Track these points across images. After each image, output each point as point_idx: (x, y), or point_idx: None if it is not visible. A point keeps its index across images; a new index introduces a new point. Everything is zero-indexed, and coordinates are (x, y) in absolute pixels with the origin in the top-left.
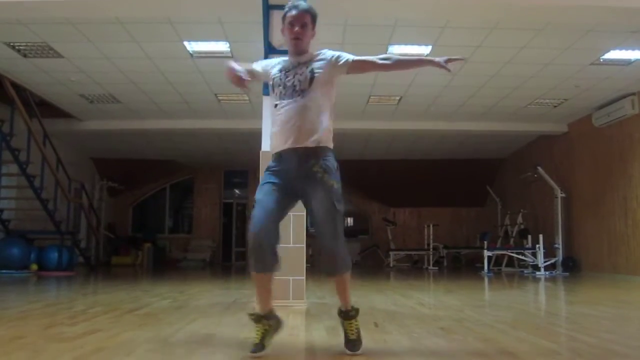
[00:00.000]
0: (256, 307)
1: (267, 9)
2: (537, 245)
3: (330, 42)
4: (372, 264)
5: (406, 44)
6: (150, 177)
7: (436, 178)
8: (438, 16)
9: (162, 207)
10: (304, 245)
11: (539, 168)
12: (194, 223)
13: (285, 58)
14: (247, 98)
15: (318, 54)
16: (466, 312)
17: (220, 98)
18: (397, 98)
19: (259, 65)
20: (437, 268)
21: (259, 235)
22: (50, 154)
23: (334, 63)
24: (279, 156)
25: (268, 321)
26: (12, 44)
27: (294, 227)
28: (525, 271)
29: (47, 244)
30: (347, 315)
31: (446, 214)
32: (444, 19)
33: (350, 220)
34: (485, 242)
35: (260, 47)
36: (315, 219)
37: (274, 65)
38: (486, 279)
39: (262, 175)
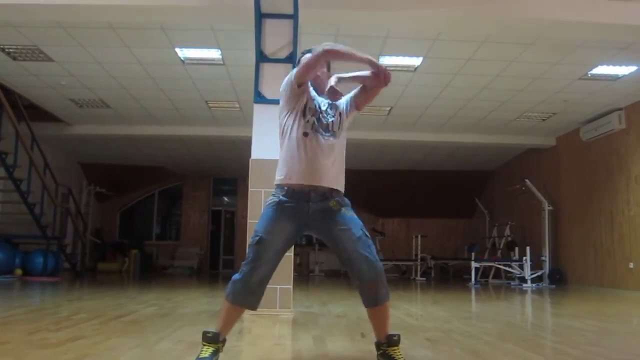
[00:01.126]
0: (217, 328)
1: (260, 17)
2: (524, 258)
3: None
4: None
5: (397, 55)
6: (139, 183)
7: (425, 189)
8: (429, 28)
9: (150, 214)
10: (292, 254)
11: (526, 181)
12: (181, 230)
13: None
14: (237, 105)
15: (339, 94)
16: (453, 324)
17: (210, 105)
18: (388, 108)
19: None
20: (425, 279)
21: (261, 280)
22: (38, 158)
23: (354, 98)
24: (293, 192)
25: (222, 344)
26: (1, 46)
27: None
28: (512, 283)
29: (33, 248)
30: (392, 341)
31: (435, 225)
32: (436, 31)
33: None
34: (473, 254)
35: (252, 55)
36: (348, 250)
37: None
38: (473, 291)
39: (266, 205)
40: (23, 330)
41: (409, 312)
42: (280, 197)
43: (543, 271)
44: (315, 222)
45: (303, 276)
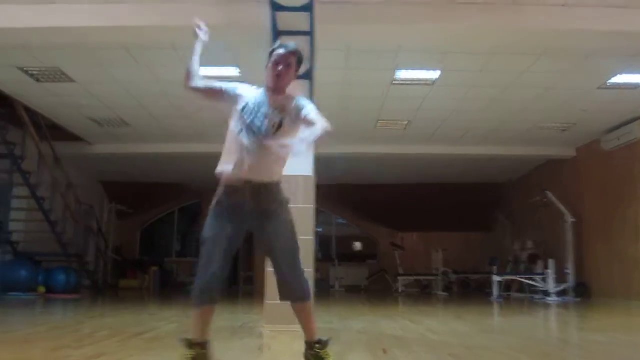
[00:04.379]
0: (191, 335)
1: (276, 35)
2: (547, 271)
3: (333, 66)
4: (380, 289)
5: (413, 68)
6: (159, 200)
7: (444, 202)
8: (441, 41)
9: (170, 231)
10: (312, 270)
11: (547, 192)
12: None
13: (262, 91)
14: None
15: (293, 102)
16: (476, 339)
17: (229, 122)
18: (405, 122)
19: (230, 88)
20: (446, 293)
21: (213, 278)
22: (61, 177)
23: (301, 118)
24: (231, 189)
25: (202, 350)
26: (25, 68)
27: (301, 251)
28: (536, 297)
29: (55, 266)
30: (318, 346)
31: (455, 239)
32: (448, 44)
33: (358, 245)
34: (495, 267)
35: None
36: (273, 254)
37: (249, 91)
38: (496, 305)
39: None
40: (46, 347)
41: (430, 327)
42: (220, 197)
43: (567, 284)
44: (252, 219)
45: (323, 292)
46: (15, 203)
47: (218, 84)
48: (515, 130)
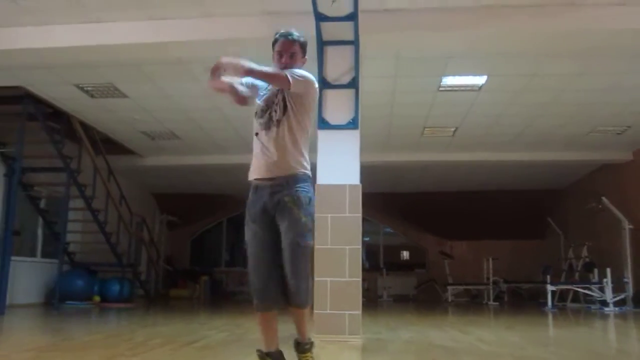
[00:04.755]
0: (262, 345)
1: (321, 45)
2: (605, 280)
3: (381, 75)
4: (428, 299)
5: (461, 74)
6: (207, 211)
7: (494, 210)
8: (491, 46)
9: (219, 241)
10: (360, 279)
11: (603, 199)
12: None
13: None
14: None
15: None
16: (529, 350)
17: None
18: (453, 129)
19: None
20: (497, 303)
21: (261, 276)
22: (114, 189)
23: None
24: (255, 188)
25: (273, 357)
26: (80, 85)
27: (349, 260)
28: (593, 307)
29: (110, 276)
30: (302, 348)
31: (505, 247)
32: (497, 48)
33: (406, 254)
34: (548, 276)
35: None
36: (281, 251)
37: (260, 88)
38: (550, 315)
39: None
40: (102, 355)
41: (481, 337)
42: (249, 197)
43: (626, 294)
44: (272, 213)
45: (371, 301)
46: (71, 215)
47: (245, 82)
48: (568, 135)
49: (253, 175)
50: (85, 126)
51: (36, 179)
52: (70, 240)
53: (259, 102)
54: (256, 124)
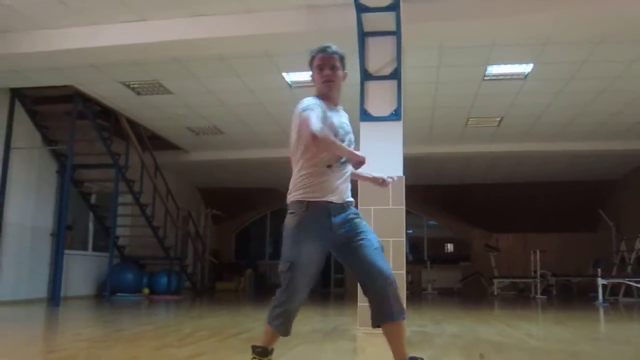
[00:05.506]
0: (263, 342)
1: (363, 36)
2: None
3: (426, 65)
4: (474, 293)
5: (505, 63)
6: (252, 205)
7: (542, 201)
8: (539, 33)
9: (262, 234)
10: (404, 272)
11: None
12: None
13: (321, 103)
14: None
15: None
16: (580, 346)
17: None
18: (498, 119)
19: (322, 115)
20: (545, 297)
21: (296, 306)
22: (161, 184)
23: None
24: (316, 207)
25: (270, 354)
26: (127, 83)
27: (393, 253)
28: None
29: (157, 269)
30: None
31: (553, 240)
32: (546, 35)
33: (450, 247)
34: (599, 270)
35: (356, 74)
36: (364, 261)
37: (324, 110)
38: (601, 310)
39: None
40: (151, 346)
41: (529, 332)
42: (303, 216)
43: None
44: (334, 234)
45: (416, 295)
46: (120, 210)
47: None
48: (620, 124)
49: (324, 197)
50: (132, 123)
51: (87, 175)
52: (119, 235)
53: (336, 122)
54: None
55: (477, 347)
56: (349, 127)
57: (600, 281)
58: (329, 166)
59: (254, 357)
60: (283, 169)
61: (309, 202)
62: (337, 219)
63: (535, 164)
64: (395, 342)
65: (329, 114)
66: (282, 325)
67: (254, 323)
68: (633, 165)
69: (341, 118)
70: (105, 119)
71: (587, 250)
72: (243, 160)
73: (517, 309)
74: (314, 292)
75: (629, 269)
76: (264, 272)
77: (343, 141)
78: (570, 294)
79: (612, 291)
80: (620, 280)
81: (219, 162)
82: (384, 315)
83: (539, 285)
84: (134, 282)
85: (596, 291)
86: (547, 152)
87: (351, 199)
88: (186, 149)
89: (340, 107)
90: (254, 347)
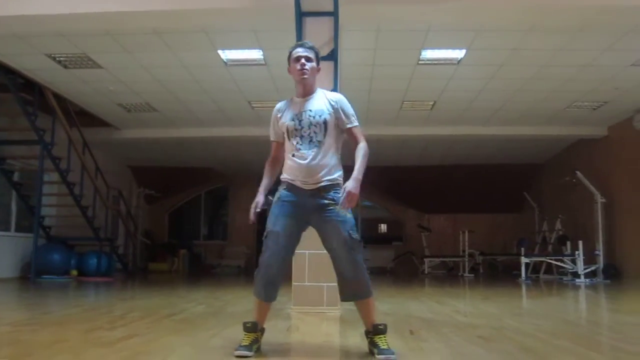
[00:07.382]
0: (254, 317)
1: (300, 16)
2: (577, 252)
3: (363, 47)
4: (406, 271)
5: (439, 48)
6: (186, 184)
7: (472, 184)
8: (472, 19)
9: (197, 214)
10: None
11: (577, 172)
12: (228, 230)
13: (290, 101)
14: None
15: (333, 100)
16: (505, 321)
17: (253, 105)
18: (431, 103)
19: (273, 125)
20: (473, 275)
21: (272, 271)
22: (90, 162)
23: (343, 120)
24: (292, 187)
25: (260, 333)
26: (52, 55)
27: None
28: (565, 278)
29: (87, 250)
30: (378, 330)
31: (482, 220)
32: (478, 22)
33: (384, 227)
34: (523, 249)
35: None
36: (332, 250)
37: (283, 111)
38: (524, 287)
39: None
40: (80, 329)
41: (457, 308)
42: (281, 193)
43: (597, 266)
44: (311, 215)
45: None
46: (46, 188)
47: (274, 136)
48: (546, 110)
49: (291, 179)
50: (59, 98)
51: (9, 151)
52: (45, 214)
53: (289, 121)
54: (290, 143)
55: (408, 324)
56: (314, 112)
57: (524, 260)
58: (293, 155)
59: (244, 334)
60: (220, 148)
61: (286, 182)
62: (309, 201)
63: (466, 148)
64: (363, 314)
65: (288, 110)
66: (262, 290)
67: (188, 304)
68: (556, 150)
69: (307, 106)
70: (30, 93)
71: (512, 231)
72: (177, 139)
73: (446, 286)
74: (250, 272)
75: (550, 248)
76: (199, 253)
77: (301, 130)
78: (496, 272)
79: (534, 269)
80: (542, 259)
81: (152, 141)
82: (349, 297)
83: (467, 264)
84: (61, 263)
85: (520, 269)
86: (478, 136)
87: (328, 183)
88: (117, 126)
89: (315, 94)
90: (244, 323)
